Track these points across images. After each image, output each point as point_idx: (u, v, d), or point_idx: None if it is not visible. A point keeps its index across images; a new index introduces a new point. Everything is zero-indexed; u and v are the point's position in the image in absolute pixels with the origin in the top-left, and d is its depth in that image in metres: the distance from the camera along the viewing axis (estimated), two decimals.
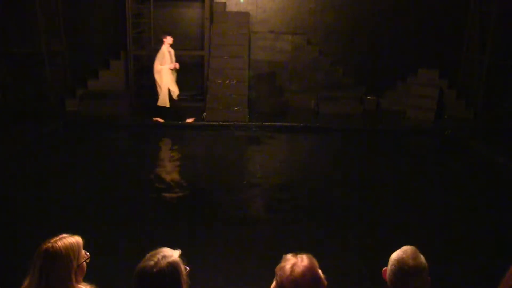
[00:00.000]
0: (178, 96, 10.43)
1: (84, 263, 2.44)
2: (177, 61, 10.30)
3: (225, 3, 11.67)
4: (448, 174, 8.51)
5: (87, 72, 11.88)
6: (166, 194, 7.32)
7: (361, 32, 12.19)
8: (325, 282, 2.09)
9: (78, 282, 2.40)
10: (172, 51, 10.28)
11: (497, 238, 6.02)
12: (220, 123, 10.55)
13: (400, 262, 2.33)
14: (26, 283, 2.35)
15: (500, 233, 6.15)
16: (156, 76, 10.16)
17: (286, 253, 2.15)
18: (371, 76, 12.26)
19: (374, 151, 9.75)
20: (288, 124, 10.75)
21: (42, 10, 10.95)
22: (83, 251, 2.44)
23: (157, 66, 10.11)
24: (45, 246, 2.32)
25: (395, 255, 2.39)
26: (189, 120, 10.58)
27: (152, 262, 2.09)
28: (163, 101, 10.26)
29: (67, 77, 11.92)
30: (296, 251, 2.15)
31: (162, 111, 10.39)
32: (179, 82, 10.45)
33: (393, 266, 2.36)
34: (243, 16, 11.55)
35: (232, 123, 10.57)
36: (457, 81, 11.94)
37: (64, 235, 2.42)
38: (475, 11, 11.57)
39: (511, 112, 10.70)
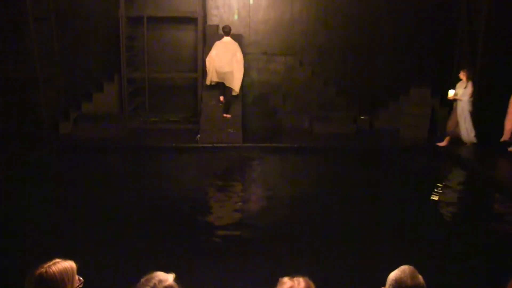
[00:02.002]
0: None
1: None
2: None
3: (217, 25, 11.78)
4: (442, 189, 8.54)
5: (81, 95, 11.89)
6: (160, 214, 7.26)
7: (353, 53, 12.32)
8: None
9: None
10: None
11: (493, 249, 6.12)
12: (214, 145, 10.53)
13: (398, 281, 2.32)
14: None
15: (496, 244, 6.28)
16: (240, 65, 10.49)
17: (283, 274, 2.13)
18: (364, 96, 12.35)
19: (369, 169, 9.76)
20: (282, 145, 10.77)
21: (36, 33, 10.99)
22: (76, 276, 2.41)
23: (241, 55, 10.55)
24: (39, 272, 2.29)
25: (393, 275, 2.37)
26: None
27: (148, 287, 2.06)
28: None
29: (61, 100, 11.93)
30: (293, 271, 2.13)
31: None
32: (172, 105, 10.43)
33: (391, 286, 2.34)
34: (236, 38, 11.64)
35: (226, 145, 10.56)
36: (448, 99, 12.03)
37: (58, 260, 2.39)
38: (464, 30, 11.75)
39: (501, 129, 10.76)
